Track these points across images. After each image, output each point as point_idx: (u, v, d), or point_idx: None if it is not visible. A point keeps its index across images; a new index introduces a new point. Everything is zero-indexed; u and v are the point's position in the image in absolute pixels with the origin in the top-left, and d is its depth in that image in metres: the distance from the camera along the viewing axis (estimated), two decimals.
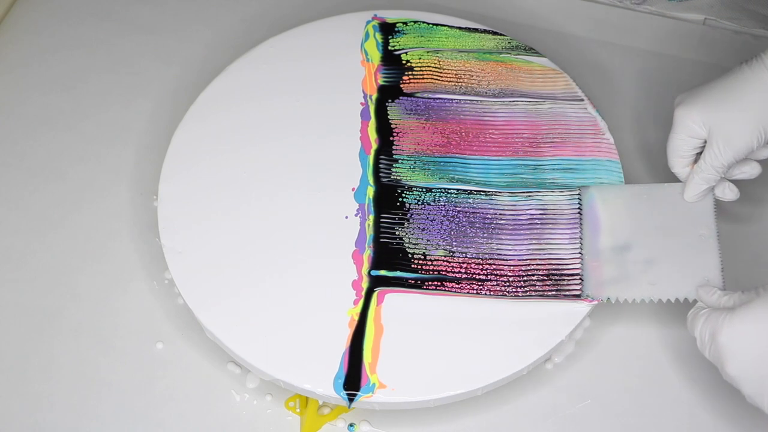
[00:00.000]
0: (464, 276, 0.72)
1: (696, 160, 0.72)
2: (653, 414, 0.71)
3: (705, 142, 0.71)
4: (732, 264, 0.71)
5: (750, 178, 0.73)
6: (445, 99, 0.81)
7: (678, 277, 0.70)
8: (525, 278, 0.71)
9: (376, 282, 0.72)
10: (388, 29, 0.86)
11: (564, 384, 0.72)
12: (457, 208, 0.75)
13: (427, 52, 0.84)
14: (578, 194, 0.75)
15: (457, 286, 0.71)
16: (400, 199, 0.76)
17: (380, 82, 0.83)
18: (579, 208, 0.74)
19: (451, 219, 0.74)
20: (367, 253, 0.73)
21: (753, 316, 0.61)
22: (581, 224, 0.73)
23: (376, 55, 0.84)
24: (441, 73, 0.83)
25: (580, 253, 0.72)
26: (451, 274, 0.72)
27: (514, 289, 0.71)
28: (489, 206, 0.75)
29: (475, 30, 0.86)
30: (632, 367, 0.73)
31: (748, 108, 0.69)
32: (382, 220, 0.74)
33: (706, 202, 0.73)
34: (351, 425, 0.71)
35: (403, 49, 0.84)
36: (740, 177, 0.73)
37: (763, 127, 0.69)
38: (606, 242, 0.72)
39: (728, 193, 0.73)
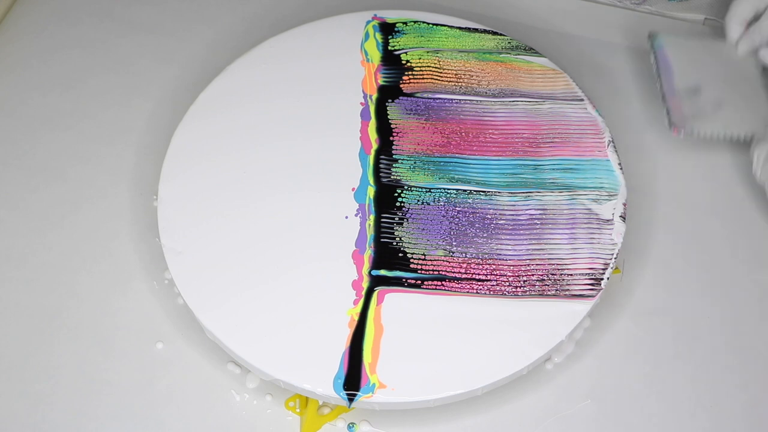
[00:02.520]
0: (464, 276, 0.72)
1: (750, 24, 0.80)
2: (653, 414, 0.71)
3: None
4: None
5: None
6: (445, 99, 0.81)
7: (745, 117, 0.78)
8: (525, 278, 0.71)
9: (376, 282, 0.72)
10: (388, 29, 0.86)
11: (564, 384, 0.72)
12: (457, 208, 0.75)
13: (427, 52, 0.84)
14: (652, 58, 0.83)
15: (457, 285, 0.71)
16: (400, 200, 0.76)
17: (380, 82, 0.83)
18: (653, 52, 0.83)
19: (451, 219, 0.74)
20: (368, 253, 0.73)
21: None
22: (657, 66, 0.82)
23: (376, 55, 0.84)
24: (441, 73, 0.83)
25: (661, 91, 0.80)
26: (451, 274, 0.72)
27: (514, 289, 0.71)
28: (489, 206, 0.75)
29: (475, 30, 0.86)
30: (632, 367, 0.73)
31: None
32: (382, 220, 0.74)
33: (751, 60, 0.81)
34: (351, 425, 0.71)
35: (403, 49, 0.84)
36: None
37: None
38: (680, 83, 0.80)
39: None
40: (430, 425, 0.71)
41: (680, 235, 0.79)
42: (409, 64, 0.83)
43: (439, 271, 0.72)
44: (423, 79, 0.83)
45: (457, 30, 0.86)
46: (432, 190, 0.76)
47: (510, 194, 0.76)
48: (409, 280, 0.72)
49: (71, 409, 0.71)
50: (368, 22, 0.86)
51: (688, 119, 0.78)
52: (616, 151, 0.78)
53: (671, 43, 0.84)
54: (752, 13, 0.81)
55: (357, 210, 0.75)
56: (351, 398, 0.67)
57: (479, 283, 0.71)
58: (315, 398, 0.70)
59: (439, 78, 0.83)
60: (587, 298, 0.71)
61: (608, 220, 0.74)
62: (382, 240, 0.73)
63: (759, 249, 0.78)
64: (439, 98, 0.81)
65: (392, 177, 0.77)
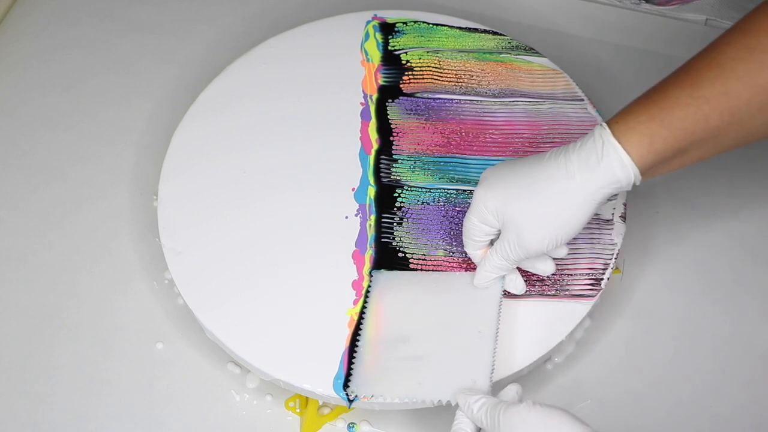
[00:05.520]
0: None
1: (492, 243, 0.68)
2: (653, 414, 0.71)
3: (500, 231, 0.67)
4: None
5: (543, 275, 0.69)
6: (445, 99, 0.81)
7: (444, 378, 0.65)
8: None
9: None
10: (388, 29, 0.86)
11: (564, 384, 0.72)
12: (457, 208, 0.75)
13: (427, 52, 0.84)
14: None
15: None
16: (400, 200, 0.76)
17: (380, 82, 0.83)
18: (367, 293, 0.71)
19: (451, 219, 0.74)
20: (369, 254, 0.73)
21: None
22: (364, 311, 0.70)
23: (376, 55, 0.84)
24: (441, 73, 0.83)
25: (356, 347, 0.68)
26: None
27: None
28: None
29: (475, 30, 0.86)
30: (632, 367, 0.73)
31: (545, 209, 0.64)
32: (383, 220, 0.74)
33: (492, 295, 0.69)
34: (351, 425, 0.71)
35: (403, 49, 0.84)
36: (533, 271, 0.69)
37: (556, 232, 0.64)
38: (385, 333, 0.68)
39: (513, 286, 0.69)
40: (430, 425, 0.71)
41: (680, 235, 0.79)
42: (409, 64, 0.83)
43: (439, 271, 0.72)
44: (423, 79, 0.83)
45: (457, 30, 0.86)
46: (432, 190, 0.76)
47: None
48: None
49: (71, 409, 0.71)
50: (368, 22, 0.86)
51: (373, 382, 0.66)
52: None
53: (391, 284, 0.71)
54: (484, 233, 0.68)
55: (357, 210, 0.75)
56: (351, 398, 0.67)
57: None
58: (315, 398, 0.70)
59: (439, 78, 0.83)
60: (587, 298, 0.71)
61: (608, 221, 0.74)
62: (382, 240, 0.73)
63: (759, 249, 0.78)
64: (439, 98, 0.81)
65: (392, 177, 0.77)
